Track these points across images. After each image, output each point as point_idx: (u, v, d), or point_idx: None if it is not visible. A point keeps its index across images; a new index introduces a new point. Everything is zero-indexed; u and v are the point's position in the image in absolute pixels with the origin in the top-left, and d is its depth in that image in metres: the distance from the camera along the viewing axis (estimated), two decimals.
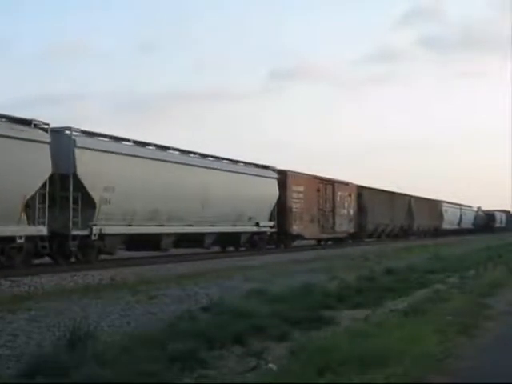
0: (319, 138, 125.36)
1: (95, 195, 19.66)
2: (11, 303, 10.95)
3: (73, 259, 19.59)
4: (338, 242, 39.13)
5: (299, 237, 34.31)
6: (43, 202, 17.80)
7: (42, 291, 13.48)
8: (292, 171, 33.61)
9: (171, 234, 23.61)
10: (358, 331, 8.19)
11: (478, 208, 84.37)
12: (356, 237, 42.17)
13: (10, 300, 11.60)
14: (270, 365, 6.70)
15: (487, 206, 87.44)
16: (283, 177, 32.02)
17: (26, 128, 17.58)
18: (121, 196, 20.49)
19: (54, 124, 19.04)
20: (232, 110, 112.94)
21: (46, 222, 17.81)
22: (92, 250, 19.97)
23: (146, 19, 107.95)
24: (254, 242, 29.76)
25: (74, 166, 19.03)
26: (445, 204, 65.54)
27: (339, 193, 39.13)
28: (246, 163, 30.11)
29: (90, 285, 14.73)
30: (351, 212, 40.89)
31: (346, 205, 40.14)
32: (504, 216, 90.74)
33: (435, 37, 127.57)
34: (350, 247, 35.98)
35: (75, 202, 19.04)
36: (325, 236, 38.04)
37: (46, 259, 19.27)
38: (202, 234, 25.74)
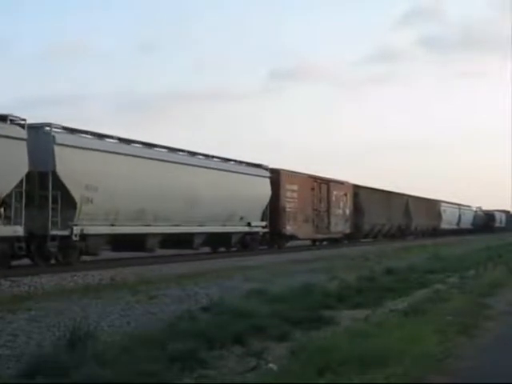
0: (319, 138, 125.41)
1: (76, 194, 18.94)
2: (11, 303, 10.95)
3: (53, 261, 18.87)
4: (334, 242, 38.48)
5: (293, 237, 33.47)
6: (20, 200, 17.14)
7: (41, 291, 13.47)
8: (285, 170, 32.86)
9: (157, 234, 22.96)
10: (358, 331, 8.19)
11: (478, 208, 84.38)
12: (352, 237, 41.58)
13: (10, 300, 11.60)
14: (270, 365, 6.70)
15: (487, 206, 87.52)
16: (276, 175, 31.25)
17: (1, 124, 16.92)
18: (104, 195, 19.84)
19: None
20: (232, 110, 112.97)
21: (23, 222, 17.10)
22: (73, 251, 19.21)
23: (146, 19, 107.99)
24: (245, 243, 28.98)
25: (54, 164, 18.33)
26: (443, 204, 65.44)
27: (334, 192, 38.46)
28: (237, 161, 29.38)
29: (90, 285, 14.73)
30: (347, 212, 40.22)
31: (341, 204, 39.47)
32: (504, 216, 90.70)
33: (435, 37, 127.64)
34: (345, 248, 35.28)
35: (55, 201, 18.29)
36: (319, 236, 37.28)
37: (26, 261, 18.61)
38: (191, 235, 25.02)
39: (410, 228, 54.00)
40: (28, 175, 17.45)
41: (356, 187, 42.40)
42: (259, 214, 29.81)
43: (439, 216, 63.42)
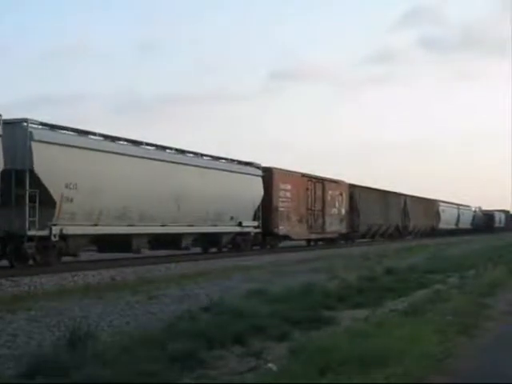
0: (319, 138, 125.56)
1: (55, 193, 18.22)
2: (11, 303, 10.95)
3: (31, 262, 18.26)
4: (329, 242, 37.85)
5: (286, 237, 32.67)
6: None
7: (41, 291, 13.47)
8: (278, 168, 32.08)
9: (143, 234, 22.31)
10: (358, 331, 8.19)
11: (477, 208, 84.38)
12: (348, 237, 40.99)
13: (10, 300, 11.59)
14: (270, 365, 6.69)
15: (487, 206, 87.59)
16: (269, 174, 30.48)
17: None
18: (85, 194, 19.14)
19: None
20: (232, 110, 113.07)
21: None
22: (52, 252, 18.48)
23: (146, 19, 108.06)
24: (237, 243, 28.21)
25: (31, 161, 17.60)
26: (442, 204, 65.32)
27: (330, 191, 37.75)
28: (228, 160, 28.56)
29: (90, 285, 14.74)
30: (342, 211, 39.51)
31: (336, 204, 38.78)
32: (503, 216, 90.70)
33: (435, 37, 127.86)
34: (343, 248, 34.93)
35: (32, 200, 17.57)
36: (314, 236, 36.58)
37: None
38: (179, 235, 24.34)
39: (407, 228, 53.63)
40: (3, 173, 16.87)
41: (352, 186, 41.70)
42: (251, 213, 29.08)
43: (438, 216, 63.33)
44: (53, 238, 18.23)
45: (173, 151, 24.80)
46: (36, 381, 5.79)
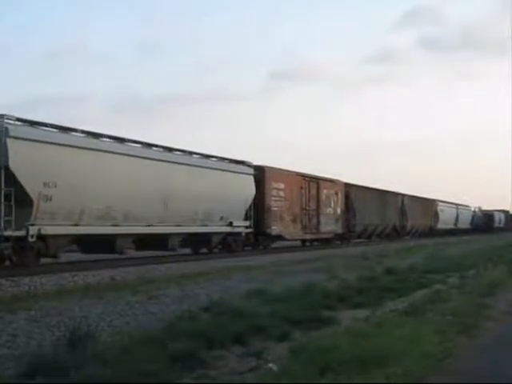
0: (319, 138, 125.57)
1: (32, 191, 17.34)
2: (11, 303, 10.94)
3: (7, 263, 17.46)
4: (325, 243, 37.19)
5: (279, 237, 31.76)
6: None
7: (41, 291, 13.46)
8: (271, 167, 31.05)
9: (128, 234, 21.46)
10: (358, 331, 8.19)
11: (477, 208, 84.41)
12: (344, 238, 40.32)
13: (10, 300, 11.59)
14: (270, 365, 6.70)
15: (487, 206, 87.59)
16: (261, 173, 29.56)
17: None
18: (65, 192, 18.32)
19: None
20: (232, 110, 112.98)
21: None
22: (30, 253, 17.62)
23: (146, 19, 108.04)
24: (228, 244, 27.30)
25: (6, 158, 16.78)
26: (440, 203, 65.07)
27: (325, 191, 36.92)
28: (218, 158, 27.53)
29: (90, 285, 14.73)
30: (338, 211, 38.71)
31: (332, 203, 38.00)
32: (503, 216, 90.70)
33: (435, 37, 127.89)
34: (341, 248, 34.48)
35: (8, 198, 16.81)
36: (308, 237, 35.65)
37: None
38: (165, 235, 23.43)
39: (405, 228, 53.08)
40: None
41: (348, 186, 40.91)
42: (242, 213, 28.11)
43: (436, 216, 63.15)
44: (30, 239, 17.41)
45: (160, 149, 24.06)
46: (36, 381, 5.79)
